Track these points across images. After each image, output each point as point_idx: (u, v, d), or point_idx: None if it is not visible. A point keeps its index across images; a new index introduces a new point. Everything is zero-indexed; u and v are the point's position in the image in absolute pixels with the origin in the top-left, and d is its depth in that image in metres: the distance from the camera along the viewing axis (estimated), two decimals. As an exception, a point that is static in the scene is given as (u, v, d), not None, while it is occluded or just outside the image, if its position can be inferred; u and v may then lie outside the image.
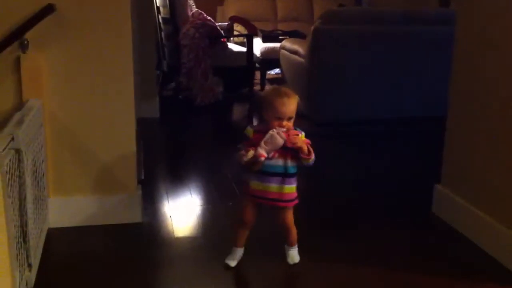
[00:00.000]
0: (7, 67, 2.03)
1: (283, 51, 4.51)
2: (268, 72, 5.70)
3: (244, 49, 4.96)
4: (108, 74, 2.13)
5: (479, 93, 2.13)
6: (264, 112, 1.76)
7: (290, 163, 1.78)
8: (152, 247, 2.09)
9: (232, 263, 1.90)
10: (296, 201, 1.85)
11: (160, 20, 4.80)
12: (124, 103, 2.18)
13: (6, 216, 1.44)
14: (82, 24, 2.07)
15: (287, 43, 4.44)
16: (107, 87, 2.14)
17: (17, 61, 2.03)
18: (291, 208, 1.86)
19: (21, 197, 1.66)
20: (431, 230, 2.30)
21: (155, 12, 4.70)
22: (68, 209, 2.18)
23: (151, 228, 2.25)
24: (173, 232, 2.21)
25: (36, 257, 1.83)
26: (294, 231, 1.90)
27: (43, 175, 2.06)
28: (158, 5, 4.75)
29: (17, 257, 1.56)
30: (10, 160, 1.53)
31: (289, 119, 1.73)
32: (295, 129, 1.77)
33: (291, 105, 1.72)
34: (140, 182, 2.36)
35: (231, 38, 5.80)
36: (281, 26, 6.56)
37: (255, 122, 4.16)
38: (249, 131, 1.80)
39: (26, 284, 1.68)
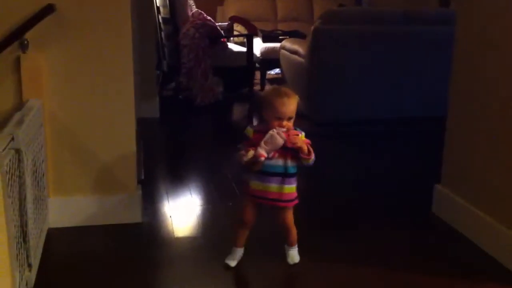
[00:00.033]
0: (7, 67, 2.03)
1: (283, 51, 4.51)
2: (268, 72, 5.70)
3: (244, 49, 4.96)
4: (108, 74, 2.13)
5: (479, 93, 2.13)
6: (264, 112, 1.76)
7: (290, 163, 1.78)
8: (152, 247, 2.08)
9: (232, 263, 1.90)
10: (296, 201, 1.84)
11: (160, 20, 4.80)
12: (124, 103, 2.18)
13: (6, 216, 1.44)
14: (82, 24, 2.07)
15: (287, 43, 4.44)
16: (107, 87, 2.14)
17: (17, 61, 2.03)
18: (291, 208, 1.86)
19: (21, 197, 1.66)
20: (431, 230, 2.30)
21: (155, 12, 4.70)
22: (68, 209, 2.18)
23: (151, 228, 2.25)
24: (173, 232, 2.21)
25: (36, 257, 1.83)
26: (294, 231, 1.90)
27: (43, 175, 2.06)
28: (158, 5, 4.75)
29: (17, 257, 1.56)
30: (10, 160, 1.53)
31: (289, 119, 1.73)
32: (295, 129, 1.77)
33: (291, 105, 1.72)
34: (140, 182, 2.36)
35: (231, 38, 5.80)
36: (281, 26, 6.56)
37: (255, 122, 4.16)
38: (249, 131, 1.80)
39: (26, 284, 1.68)
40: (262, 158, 1.70)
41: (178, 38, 4.60)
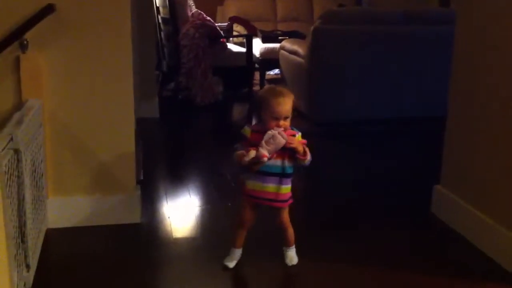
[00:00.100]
0: (6, 67, 2.03)
1: (282, 51, 4.50)
2: (268, 73, 5.70)
3: (243, 49, 4.96)
4: (108, 74, 2.13)
5: (479, 93, 2.13)
6: (261, 112, 1.76)
7: (287, 163, 1.78)
8: (151, 247, 2.08)
9: (231, 264, 1.90)
10: (291, 201, 1.84)
11: (160, 20, 4.80)
12: (124, 103, 2.17)
13: (5, 216, 1.43)
14: (82, 24, 2.07)
15: (286, 44, 4.43)
16: (106, 87, 2.13)
17: (17, 61, 2.02)
18: (287, 208, 1.86)
19: (20, 198, 1.65)
20: (430, 230, 2.30)
21: (154, 12, 4.69)
22: (66, 210, 2.18)
23: (149, 228, 2.24)
24: (172, 233, 2.20)
25: (34, 257, 1.83)
26: (291, 231, 1.90)
27: (42, 175, 2.06)
28: (157, 5, 4.75)
29: (15, 257, 1.55)
30: (9, 160, 1.52)
31: (285, 118, 1.73)
32: (292, 129, 1.77)
33: (286, 104, 1.72)
34: (139, 182, 2.35)
35: (231, 39, 5.80)
36: (281, 26, 6.55)
37: (254, 122, 4.15)
38: (247, 130, 1.79)
39: (24, 285, 1.68)
40: (265, 159, 1.70)
41: (178, 38, 4.60)
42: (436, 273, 1.92)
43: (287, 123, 1.74)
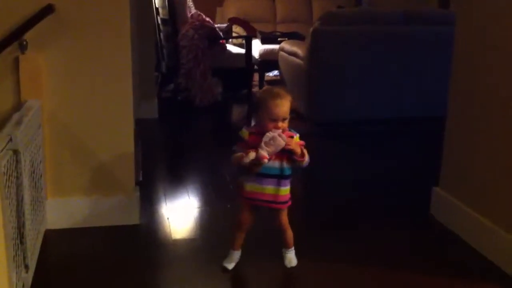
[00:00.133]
0: (6, 67, 2.02)
1: (282, 53, 4.50)
2: (267, 74, 5.69)
3: (242, 50, 4.95)
4: (107, 74, 2.12)
5: (479, 93, 2.12)
6: (259, 113, 1.75)
7: (285, 164, 1.77)
8: (150, 249, 2.07)
9: (230, 266, 1.89)
10: (289, 203, 1.84)
11: (159, 21, 4.80)
12: (123, 104, 2.17)
13: (4, 217, 1.43)
14: (81, 24, 2.07)
15: (286, 45, 4.43)
16: (105, 87, 2.13)
17: (16, 62, 2.02)
18: (286, 209, 1.85)
19: (19, 198, 1.65)
20: (430, 230, 2.29)
21: (154, 13, 4.69)
22: (65, 211, 2.17)
23: (148, 230, 2.24)
24: (171, 234, 2.20)
25: (33, 258, 1.82)
26: (289, 232, 1.89)
27: (41, 176, 2.05)
28: (157, 6, 4.74)
29: (14, 258, 1.55)
30: (8, 161, 1.52)
31: (283, 120, 1.72)
32: (290, 131, 1.76)
33: (284, 106, 1.71)
34: (138, 183, 2.35)
35: (230, 40, 5.79)
36: (280, 28, 6.55)
37: (253, 123, 4.15)
38: (244, 133, 1.78)
39: (23, 286, 1.67)
40: (266, 160, 1.69)
41: (177, 39, 4.59)
42: (436, 274, 1.92)
43: (285, 124, 1.73)
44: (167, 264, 1.98)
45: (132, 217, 2.24)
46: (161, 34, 4.83)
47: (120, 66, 2.14)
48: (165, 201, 2.55)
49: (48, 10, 1.99)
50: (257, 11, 6.74)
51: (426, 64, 3.80)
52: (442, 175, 2.37)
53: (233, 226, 1.92)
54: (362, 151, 3.46)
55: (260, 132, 1.72)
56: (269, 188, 1.78)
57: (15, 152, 1.60)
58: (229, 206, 2.48)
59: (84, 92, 2.12)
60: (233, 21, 6.09)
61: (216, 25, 4.99)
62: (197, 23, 4.62)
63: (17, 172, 1.62)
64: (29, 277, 1.74)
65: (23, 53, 2.01)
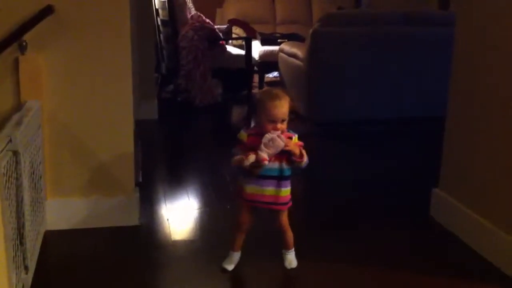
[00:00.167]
0: (6, 68, 2.02)
1: (281, 54, 4.50)
2: (267, 75, 5.69)
3: (242, 52, 4.95)
4: (107, 75, 2.12)
5: (479, 93, 2.12)
6: (258, 115, 1.75)
7: (285, 165, 1.77)
8: (149, 250, 2.07)
9: (229, 267, 1.89)
10: (290, 204, 1.84)
11: (159, 23, 4.80)
12: (123, 104, 2.17)
13: (3, 218, 1.43)
14: (81, 25, 2.07)
15: (285, 47, 4.43)
16: (105, 88, 2.13)
17: (16, 63, 2.02)
18: (286, 211, 1.85)
19: (18, 199, 1.64)
20: (430, 231, 2.29)
21: (154, 15, 4.69)
22: (65, 211, 2.17)
23: (148, 231, 2.23)
24: (171, 235, 2.19)
25: (32, 259, 1.82)
26: (290, 234, 1.89)
27: (41, 177, 2.05)
28: (157, 7, 4.74)
29: (13, 259, 1.55)
30: (7, 162, 1.52)
31: (282, 121, 1.72)
32: (288, 132, 1.76)
33: (283, 107, 1.71)
34: (138, 184, 2.35)
35: (230, 41, 5.80)
36: (280, 29, 6.55)
37: (253, 125, 4.15)
38: (243, 135, 1.78)
39: (23, 287, 1.67)
40: (266, 162, 1.69)
41: (177, 40, 4.60)
42: (436, 274, 1.92)
43: (284, 125, 1.73)
44: (166, 265, 1.98)
45: (132, 218, 2.23)
46: (161, 35, 4.83)
47: (120, 66, 2.14)
48: (165, 202, 2.55)
49: (47, 10, 1.99)
50: (256, 12, 6.74)
51: (426, 64, 3.80)
52: (442, 175, 2.36)
53: (232, 227, 1.92)
54: (362, 151, 3.46)
55: (259, 133, 1.72)
56: (269, 189, 1.78)
57: (15, 153, 1.59)
58: (229, 207, 2.47)
59: (84, 92, 2.12)
60: (233, 22, 6.09)
61: (216, 26, 4.99)
62: (197, 24, 4.62)
63: (16, 173, 1.62)
64: (28, 278, 1.74)
65: (23, 54, 2.01)
